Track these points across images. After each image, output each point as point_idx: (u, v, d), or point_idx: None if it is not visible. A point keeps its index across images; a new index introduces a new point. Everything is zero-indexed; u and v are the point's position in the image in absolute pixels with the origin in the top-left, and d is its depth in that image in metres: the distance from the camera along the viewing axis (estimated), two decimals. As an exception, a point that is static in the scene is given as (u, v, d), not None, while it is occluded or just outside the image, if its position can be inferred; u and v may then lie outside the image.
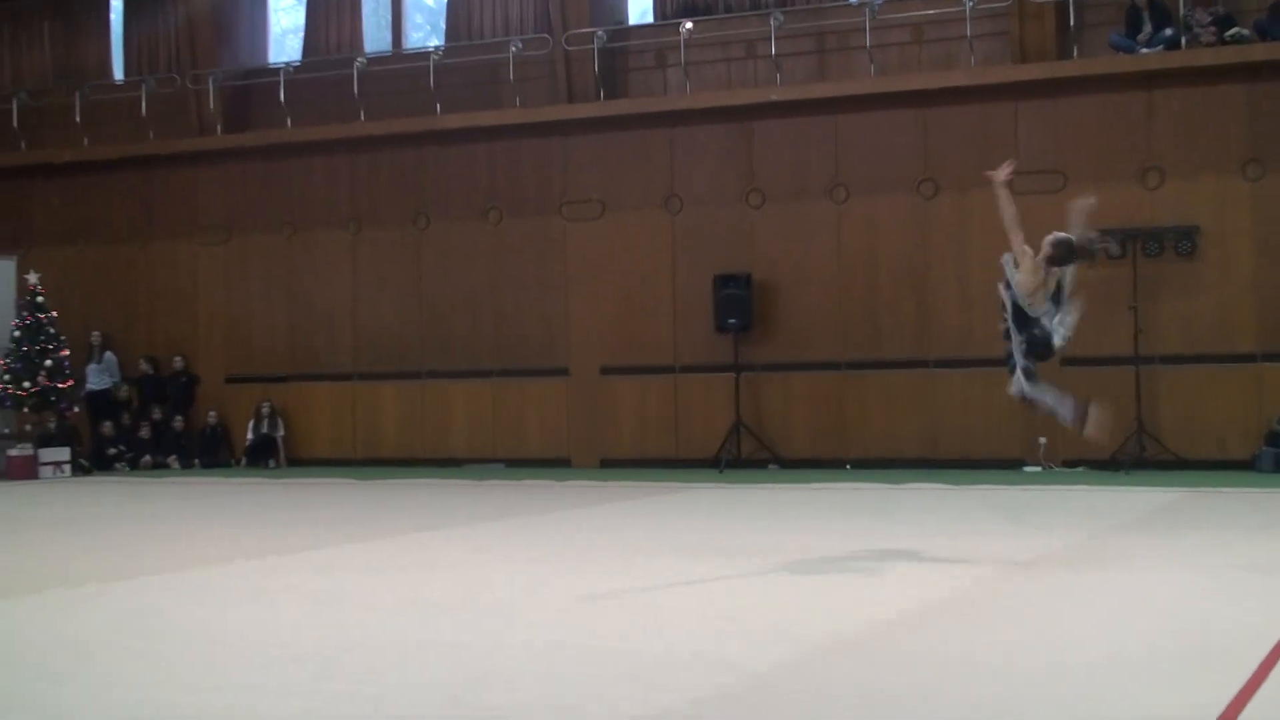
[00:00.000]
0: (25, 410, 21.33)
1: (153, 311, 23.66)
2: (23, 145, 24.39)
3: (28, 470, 20.65)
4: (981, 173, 12.28)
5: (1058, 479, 17.29)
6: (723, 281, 19.94)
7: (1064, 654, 7.10)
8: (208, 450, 22.76)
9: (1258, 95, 18.24)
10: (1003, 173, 11.48)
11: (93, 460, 22.08)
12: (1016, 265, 11.34)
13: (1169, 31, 18.65)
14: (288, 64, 23.52)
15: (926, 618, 8.19)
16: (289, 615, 8.66)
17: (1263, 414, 17.91)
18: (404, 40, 23.72)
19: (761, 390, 20.11)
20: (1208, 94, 18.45)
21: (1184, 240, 18.22)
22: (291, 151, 22.80)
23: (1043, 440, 18.44)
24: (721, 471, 19.30)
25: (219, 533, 13.40)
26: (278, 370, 22.82)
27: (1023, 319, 11.20)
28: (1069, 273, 11.28)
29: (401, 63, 23.02)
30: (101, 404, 23.01)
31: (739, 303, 19.77)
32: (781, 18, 20.44)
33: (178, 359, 23.29)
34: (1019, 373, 11.11)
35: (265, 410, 22.45)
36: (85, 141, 24.02)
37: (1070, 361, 15.44)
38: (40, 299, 21.32)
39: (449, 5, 22.90)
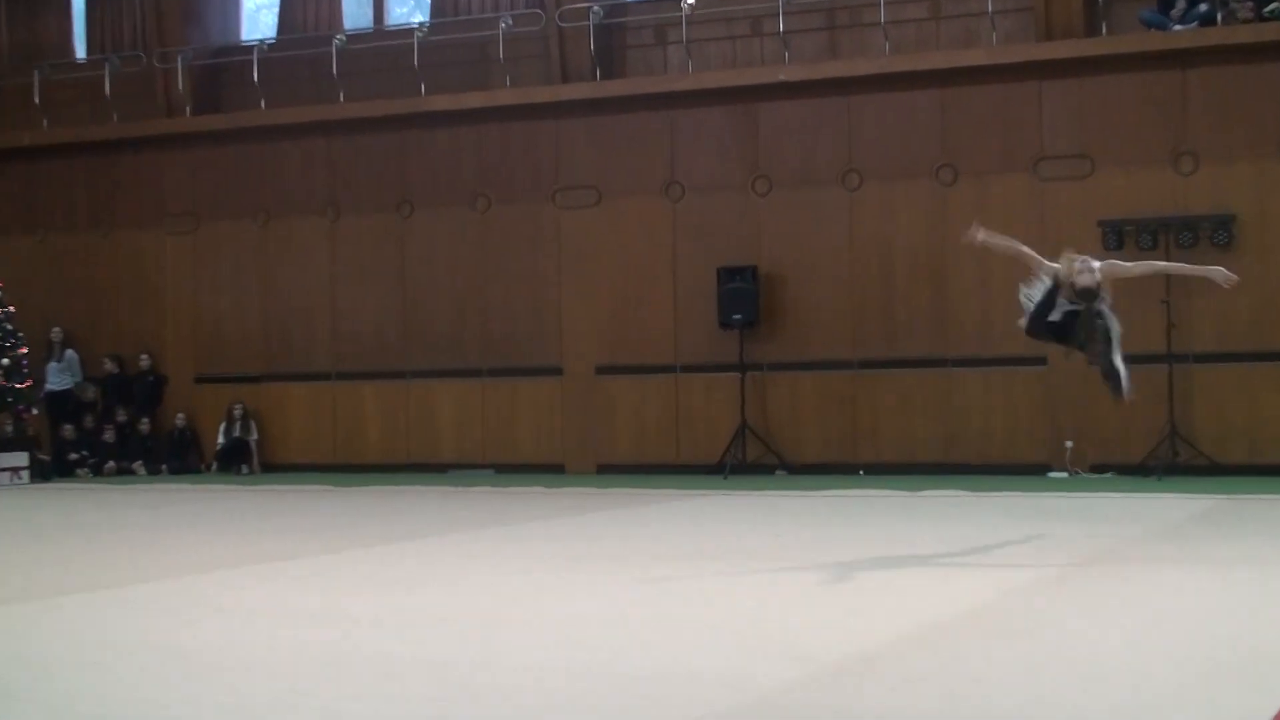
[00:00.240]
0: (-20, 413, 21.35)
1: (117, 306, 23.66)
2: (-22, 128, 24.42)
3: (-18, 477, 20.67)
4: (961, 239, 12.56)
5: (1085, 485, 17.29)
6: (727, 274, 19.94)
7: (1091, 671, 7.10)
8: (176, 455, 22.76)
9: (1299, 75, 18.24)
10: (978, 235, 12.18)
11: (53, 466, 22.08)
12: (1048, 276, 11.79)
13: (1204, 7, 18.66)
14: (261, 42, 23.52)
15: (946, 633, 8.19)
16: (261, 630, 8.65)
17: (1302, 417, 17.92)
18: (386, 16, 23.73)
19: (768, 391, 20.12)
20: (1245, 74, 18.45)
21: (1220, 230, 18.22)
22: (265, 135, 22.79)
23: (1069, 444, 18.46)
24: (726, 478, 19.31)
25: (187, 543, 13.39)
26: (251, 369, 22.82)
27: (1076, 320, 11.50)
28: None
29: (383, 40, 23.01)
30: (62, 405, 23.01)
31: (744, 297, 19.77)
32: (790, -8, 20.47)
33: (144, 357, 23.28)
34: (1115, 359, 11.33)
35: (237, 412, 22.45)
36: (45, 124, 24.00)
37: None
38: (-4, 293, 21.36)
39: (434, -21, 22.92)
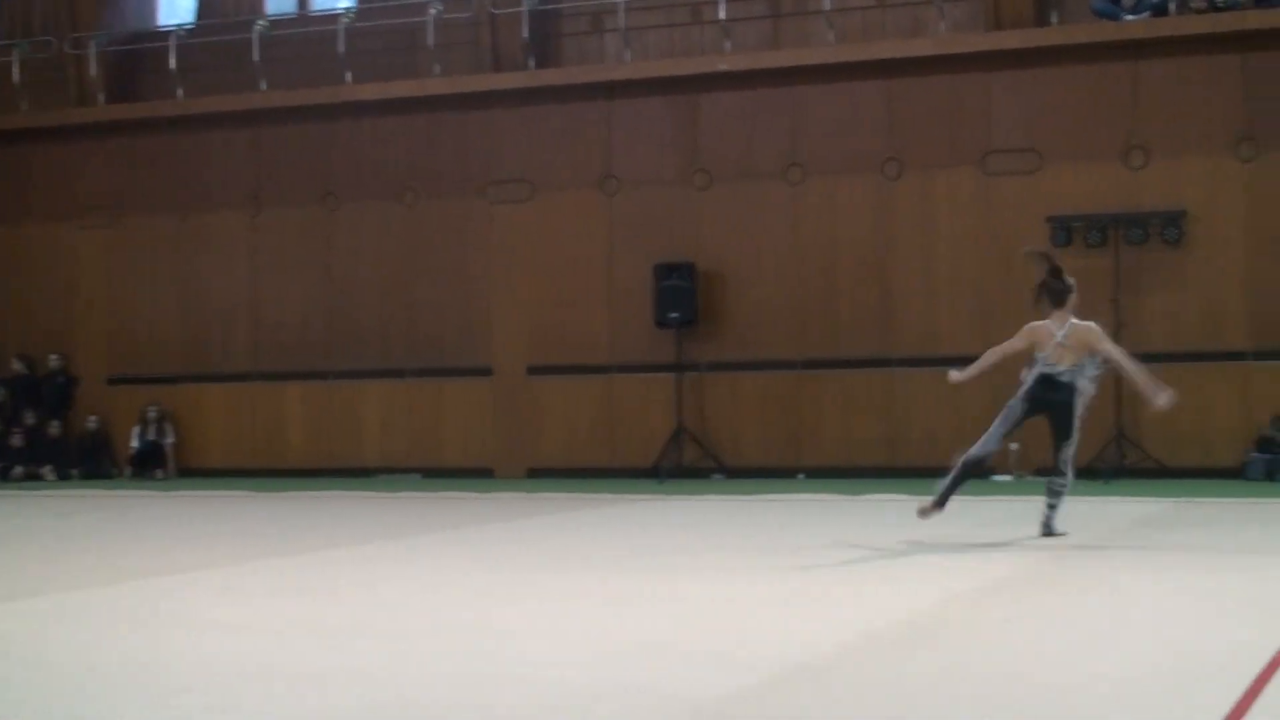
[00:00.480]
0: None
1: (27, 303, 23.48)
2: (-121, 116, 24.18)
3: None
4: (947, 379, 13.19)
5: (1031, 489, 17.40)
6: (664, 271, 19.98)
7: (1041, 677, 7.17)
8: (88, 459, 22.62)
9: (1252, 67, 18.46)
10: (955, 379, 13.16)
11: (-43, 471, 21.92)
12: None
13: (1156, -3, 18.88)
14: (180, 27, 23.41)
15: (890, 641, 8.25)
16: (177, 642, 8.62)
17: (1252, 417, 18.15)
18: (310, 2, 23.65)
19: (706, 392, 20.18)
20: (1198, 65, 18.66)
21: (1170, 226, 18.42)
22: (184, 125, 22.69)
23: (1015, 447, 18.59)
24: (661, 482, 19.35)
25: (100, 551, 13.31)
26: (167, 370, 22.69)
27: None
28: None
29: (307, 26, 22.96)
30: (-33, 408, 22.85)
31: (682, 295, 19.82)
32: (730, -22, 20.56)
33: (54, 357, 23.12)
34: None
35: (152, 414, 22.33)
36: (-50, 113, 23.83)
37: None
38: (-101, 289, 21.18)
39: (360, -38, 22.87)
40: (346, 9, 22.68)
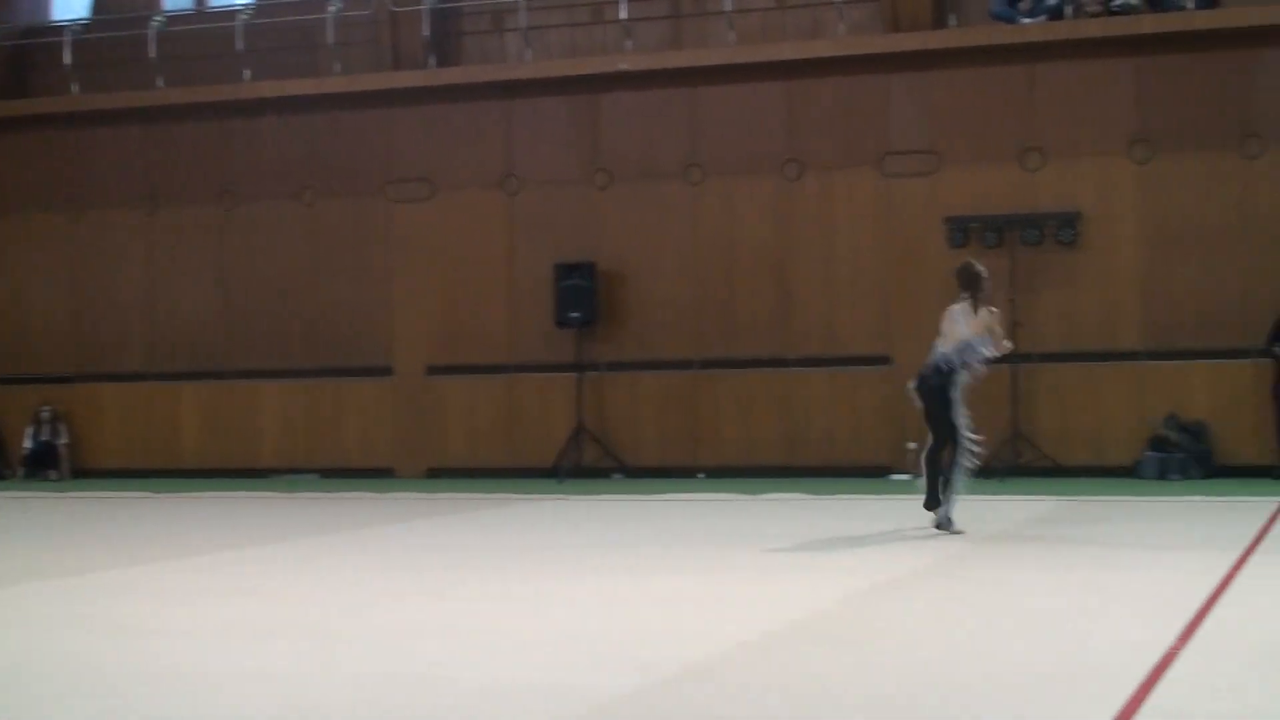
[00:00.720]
0: None
1: (-84, 301, 23.15)
2: None
3: None
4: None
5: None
6: (564, 271, 20.00)
7: (934, 675, 7.27)
8: (-20, 459, 22.37)
9: (1146, 70, 18.74)
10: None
11: None
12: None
13: (1052, 1, 19.09)
14: (75, 22, 23.15)
15: (786, 639, 8.33)
16: (74, 645, 8.56)
17: (1145, 416, 18.42)
18: (207, -2, 23.49)
19: (606, 392, 20.23)
20: (1093, 69, 18.93)
21: (1065, 228, 18.66)
22: (78, 121, 22.44)
23: (912, 445, 18.74)
24: (561, 482, 19.38)
25: (-7, 552, 13.19)
26: (60, 369, 22.44)
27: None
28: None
29: (205, 23, 22.77)
30: None
31: (582, 294, 19.85)
32: (631, -22, 20.61)
33: (-55, 356, 22.83)
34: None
35: (45, 414, 22.08)
36: None
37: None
38: None
39: (258, -42, 22.73)
40: (244, 6, 22.52)
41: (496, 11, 21.63)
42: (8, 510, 17.65)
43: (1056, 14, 19.13)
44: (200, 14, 23.12)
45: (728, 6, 20.21)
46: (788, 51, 19.95)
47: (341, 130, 21.51)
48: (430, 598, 10.19)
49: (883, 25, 19.87)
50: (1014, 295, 18.22)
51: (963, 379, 13.07)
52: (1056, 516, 14.72)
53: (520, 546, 13.21)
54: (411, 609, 9.70)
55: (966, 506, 13.57)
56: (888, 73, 19.54)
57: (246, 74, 21.78)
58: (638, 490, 18.20)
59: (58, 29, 23.14)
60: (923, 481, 13.24)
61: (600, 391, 20.18)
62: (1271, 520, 13.73)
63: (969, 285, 13.20)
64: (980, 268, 13.32)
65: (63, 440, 22.14)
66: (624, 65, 20.29)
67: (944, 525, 12.98)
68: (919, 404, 13.22)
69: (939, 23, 19.71)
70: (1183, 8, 18.64)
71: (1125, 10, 18.85)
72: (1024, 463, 18.36)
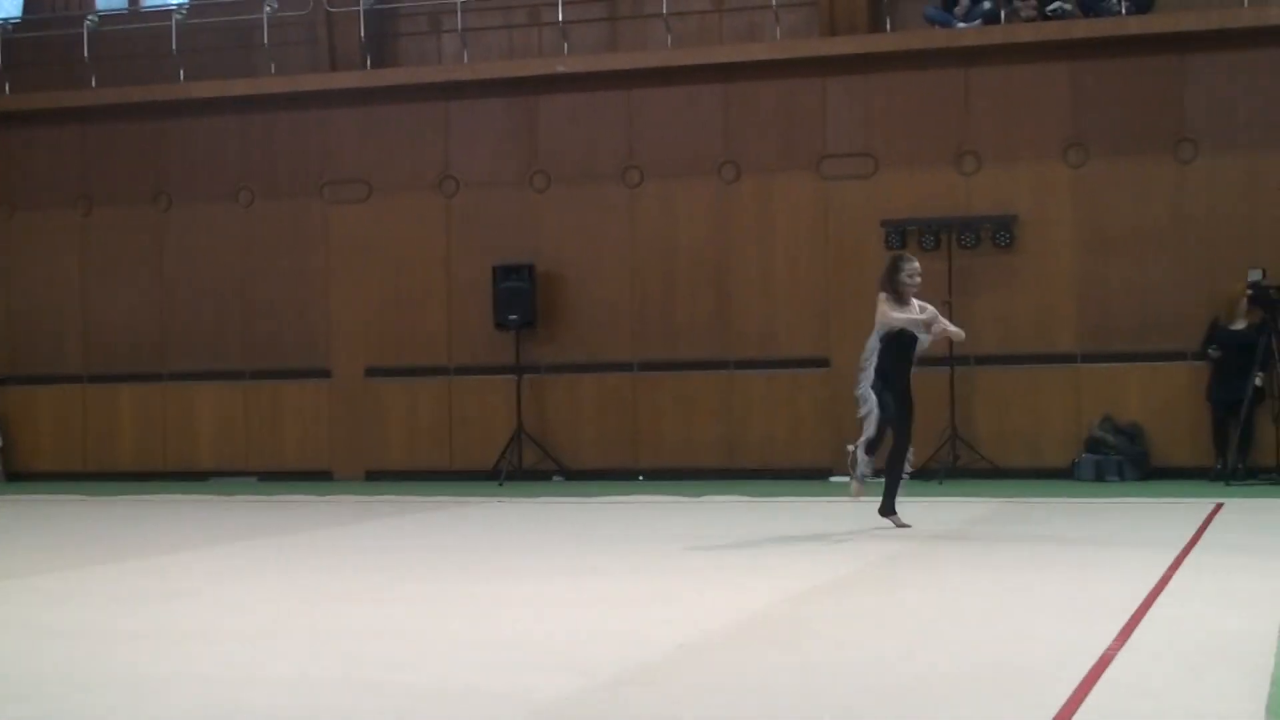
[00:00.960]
0: None
1: None
2: None
3: None
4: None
5: (866, 490, 17.65)
6: (503, 273, 19.99)
7: (870, 677, 7.31)
8: (-89, 463, 22.14)
9: (1080, 75, 18.88)
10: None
11: None
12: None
13: (988, 5, 19.23)
14: (6, 21, 22.95)
15: (725, 641, 8.36)
16: (7, 649, 8.51)
17: (1082, 418, 18.57)
18: (142, -3, 23.34)
19: (545, 394, 20.22)
20: (1028, 73, 19.06)
21: (1002, 231, 18.78)
22: (10, 121, 22.25)
23: (851, 448, 18.81)
24: (501, 484, 19.36)
25: (-74, 557, 13.07)
26: (-6, 371, 22.27)
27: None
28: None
29: (139, 22, 22.63)
30: None
31: (521, 296, 19.83)
32: (569, -20, 20.61)
33: (-124, 358, 22.59)
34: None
35: (-21, 417, 21.92)
36: None
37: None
38: None
39: (194, -42, 22.61)
40: (179, 6, 22.39)
41: (433, 13, 21.58)
42: (-60, 514, 17.50)
43: (992, 18, 19.26)
44: (134, 14, 22.97)
45: (664, 9, 20.24)
46: (724, 54, 20.00)
47: (278, 131, 21.41)
48: (370, 601, 10.16)
49: (819, 29, 19.95)
50: (951, 298, 18.33)
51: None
52: (994, 518, 14.82)
53: (460, 549, 13.21)
54: (351, 612, 9.67)
55: (905, 509, 13.69)
56: (824, 76, 19.61)
57: (181, 74, 21.65)
58: (577, 492, 18.21)
59: (-10, 28, 22.96)
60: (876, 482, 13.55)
61: (540, 393, 20.18)
62: (1207, 521, 13.87)
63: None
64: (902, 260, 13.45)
65: (-4, 443, 21.98)
66: (561, 67, 20.28)
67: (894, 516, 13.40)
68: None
69: (875, 27, 19.81)
70: (1116, 13, 18.80)
71: (1059, 15, 18.99)
72: (961, 464, 18.47)
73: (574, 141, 20.36)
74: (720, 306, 19.76)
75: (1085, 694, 6.76)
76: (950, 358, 18.27)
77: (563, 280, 20.23)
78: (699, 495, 17.38)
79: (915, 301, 13.38)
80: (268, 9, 21.34)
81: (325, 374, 21.08)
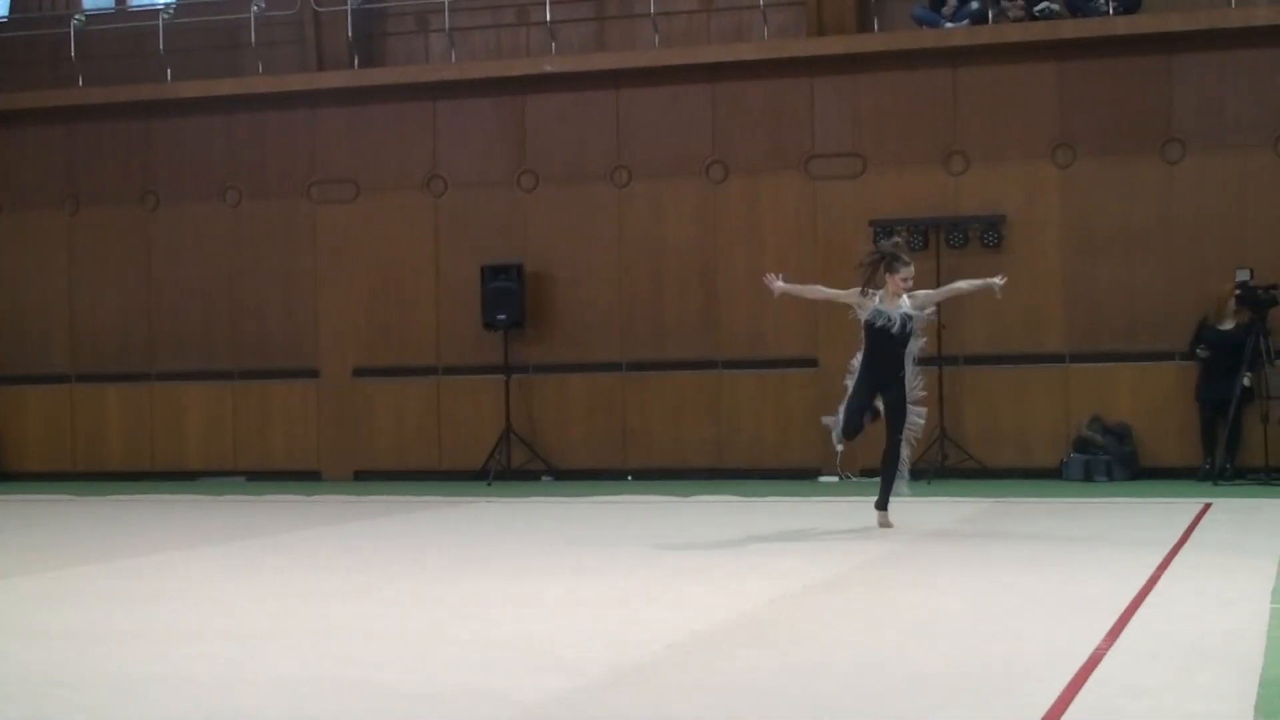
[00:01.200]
0: None
1: None
2: None
3: None
4: (763, 279, 14.53)
5: (856, 490, 17.68)
6: (491, 273, 19.97)
7: (861, 676, 7.31)
8: (-102, 463, 22.09)
9: (1068, 75, 18.90)
10: (776, 285, 14.34)
11: None
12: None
13: (975, 5, 19.24)
14: (-8, 21, 22.93)
15: (715, 641, 8.36)
16: (-4, 650, 8.50)
17: (1071, 418, 18.59)
18: (129, -4, 23.30)
19: (534, 394, 20.21)
20: (1016, 73, 19.07)
21: (990, 231, 18.80)
22: (-2, 121, 22.24)
23: (840, 448, 18.84)
24: (490, 484, 19.35)
25: (-87, 557, 13.04)
26: (-19, 371, 22.23)
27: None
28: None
29: (126, 22, 22.59)
30: None
31: (509, 296, 19.83)
32: (557, -21, 20.60)
33: None
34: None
35: (-34, 417, 21.86)
36: None
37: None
38: None
39: (181, -42, 22.56)
40: (166, 4, 22.34)
41: (421, 13, 21.56)
42: (-73, 515, 17.47)
43: (980, 18, 19.27)
44: (121, 13, 22.93)
45: (652, 9, 20.23)
46: (712, 54, 20.00)
47: (265, 131, 21.39)
48: (359, 601, 10.16)
49: (807, 29, 19.95)
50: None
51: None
52: (983, 518, 14.83)
53: (449, 549, 13.20)
54: (340, 612, 9.67)
55: (894, 508, 13.69)
56: (812, 76, 19.62)
57: (168, 73, 21.61)
58: (566, 492, 18.20)
59: (-24, 28, 22.91)
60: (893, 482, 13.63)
61: (528, 393, 20.17)
62: (1196, 521, 13.90)
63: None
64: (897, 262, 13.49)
65: (-17, 443, 21.94)
66: (549, 67, 20.27)
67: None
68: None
69: (863, 26, 19.81)
70: (1104, 13, 18.82)
71: (1046, 15, 19.01)
72: (950, 464, 18.48)
73: (562, 141, 20.35)
74: (709, 306, 19.76)
75: (1074, 694, 6.77)
76: (939, 357, 18.28)
77: (551, 280, 20.23)
78: (688, 495, 17.37)
79: (905, 298, 13.40)
80: (255, 8, 21.30)
81: (313, 374, 21.06)
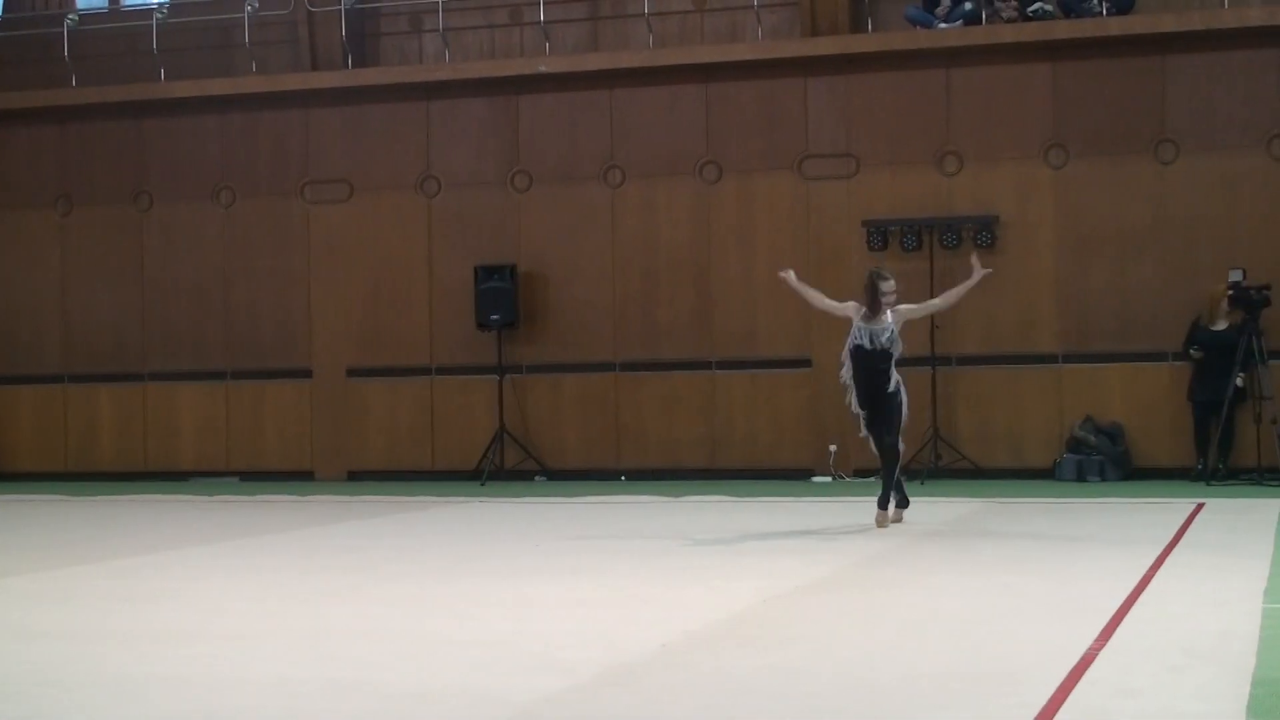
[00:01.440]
0: None
1: None
2: None
3: None
4: (776, 274, 14.67)
5: (848, 490, 17.71)
6: (485, 273, 19.98)
7: (855, 677, 7.33)
8: (-109, 463, 22.08)
9: (1061, 75, 18.92)
10: (790, 277, 14.33)
11: None
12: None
13: (969, 6, 19.25)
14: (-14, 20, 22.91)
15: (708, 641, 8.37)
16: (-11, 650, 8.50)
17: (1064, 418, 18.61)
18: (122, -4, 23.29)
19: (527, 394, 20.22)
20: (1009, 74, 19.09)
21: (983, 231, 18.81)
22: (-10, 121, 22.22)
23: (833, 448, 18.89)
24: (483, 484, 19.35)
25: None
26: (-28, 371, 22.21)
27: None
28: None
29: (119, 21, 22.57)
30: None
31: (503, 296, 19.83)
32: (551, -20, 20.60)
33: None
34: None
35: (-41, 417, 21.84)
36: None
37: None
38: None
39: (174, -43, 22.55)
40: (159, 4, 22.33)
41: (414, 13, 21.56)
42: (-81, 515, 17.46)
43: (973, 19, 19.28)
44: (114, 13, 22.91)
45: (646, 9, 20.24)
46: (706, 54, 20.01)
47: (258, 131, 21.38)
48: (351, 601, 10.16)
49: (800, 29, 19.96)
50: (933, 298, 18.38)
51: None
52: (976, 518, 14.85)
53: (442, 550, 13.21)
54: (332, 613, 9.67)
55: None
56: (806, 76, 19.62)
57: (162, 73, 21.60)
58: (560, 492, 18.21)
59: (-31, 28, 22.89)
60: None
61: (522, 393, 20.17)
62: (1188, 521, 13.92)
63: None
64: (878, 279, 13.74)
65: (-25, 444, 21.92)
66: (543, 67, 20.27)
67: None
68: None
69: (857, 27, 19.82)
70: (1097, 14, 18.84)
71: (1040, 16, 19.02)
72: (943, 465, 18.50)
73: (555, 141, 20.36)
74: (702, 306, 19.77)
75: (1067, 694, 6.79)
76: (932, 358, 18.31)
77: (544, 280, 20.23)
78: (681, 495, 17.38)
79: (889, 311, 13.60)
80: (248, 8, 21.28)
81: (307, 374, 21.05)
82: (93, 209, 21.83)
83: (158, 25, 21.65)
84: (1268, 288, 17.47)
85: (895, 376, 13.67)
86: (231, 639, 8.71)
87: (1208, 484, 17.29)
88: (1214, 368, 17.75)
